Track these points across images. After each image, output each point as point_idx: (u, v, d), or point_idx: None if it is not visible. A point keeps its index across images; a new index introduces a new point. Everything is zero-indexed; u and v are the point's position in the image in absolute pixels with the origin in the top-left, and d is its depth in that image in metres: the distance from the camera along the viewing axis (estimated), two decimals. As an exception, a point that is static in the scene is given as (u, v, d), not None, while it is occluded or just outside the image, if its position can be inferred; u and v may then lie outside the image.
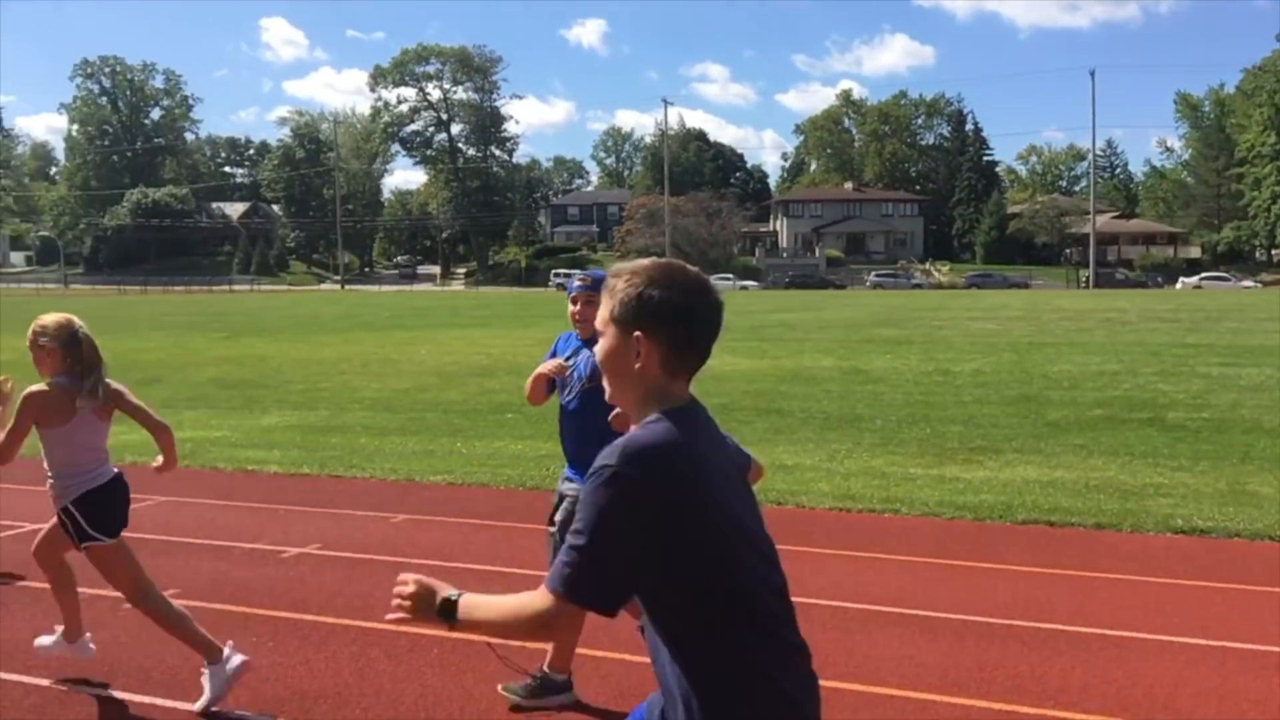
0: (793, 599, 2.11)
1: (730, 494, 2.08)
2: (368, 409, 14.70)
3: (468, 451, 11.18)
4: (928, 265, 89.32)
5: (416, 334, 27.65)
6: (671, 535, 1.94)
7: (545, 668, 4.45)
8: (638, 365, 2.07)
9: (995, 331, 26.10)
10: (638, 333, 2.06)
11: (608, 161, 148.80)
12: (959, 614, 5.55)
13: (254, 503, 8.55)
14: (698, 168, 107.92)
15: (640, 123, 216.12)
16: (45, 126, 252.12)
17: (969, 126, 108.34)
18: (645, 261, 2.14)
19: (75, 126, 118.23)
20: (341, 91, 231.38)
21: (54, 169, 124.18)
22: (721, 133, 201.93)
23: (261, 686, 4.57)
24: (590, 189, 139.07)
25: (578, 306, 4.43)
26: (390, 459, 10.56)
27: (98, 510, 4.41)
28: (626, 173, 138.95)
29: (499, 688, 4.46)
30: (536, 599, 1.99)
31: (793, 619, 2.08)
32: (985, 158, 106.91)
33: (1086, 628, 5.31)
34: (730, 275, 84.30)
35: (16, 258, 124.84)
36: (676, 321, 2.06)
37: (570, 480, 4.47)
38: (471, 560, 6.68)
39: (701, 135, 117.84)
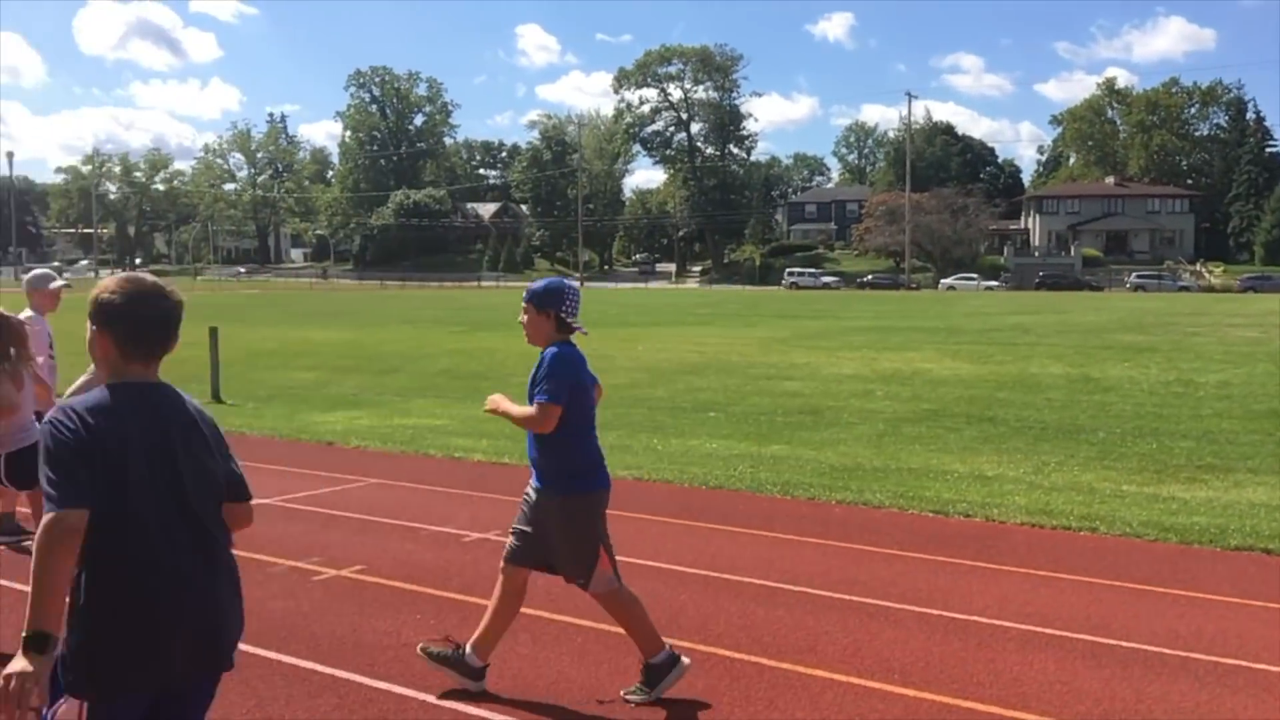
0: (951, 614, 2.07)
1: (137, 454, 2.54)
2: (579, 403, 15.19)
3: (662, 448, 11.35)
4: (1198, 266, 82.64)
5: (639, 331, 28.30)
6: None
7: (469, 645, 4.52)
8: (98, 353, 2.66)
9: (1256, 340, 23.87)
10: (94, 327, 2.63)
11: (849, 158, 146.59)
12: (1131, 641, 5.18)
13: (453, 488, 9.04)
14: (943, 162, 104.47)
15: (886, 117, 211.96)
16: (325, 133, 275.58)
17: (1249, 116, 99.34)
18: (116, 277, 2.71)
19: (348, 133, 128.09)
20: (589, 94, 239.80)
21: (330, 173, 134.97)
22: (973, 126, 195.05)
23: (412, 660, 4.86)
24: (830, 186, 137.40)
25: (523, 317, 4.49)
26: (587, 452, 10.87)
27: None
28: (869, 169, 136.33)
29: (418, 647, 4.64)
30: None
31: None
32: (1268, 149, 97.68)
33: (1276, 666, 4.83)
34: (974, 275, 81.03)
35: (296, 254, 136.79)
36: (121, 320, 2.63)
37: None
38: (634, 554, 6.80)
39: (949, 129, 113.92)
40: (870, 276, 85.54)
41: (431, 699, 4.46)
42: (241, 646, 4.87)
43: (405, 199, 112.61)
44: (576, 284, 4.59)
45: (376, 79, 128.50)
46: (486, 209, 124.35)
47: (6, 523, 7.10)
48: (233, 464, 2.74)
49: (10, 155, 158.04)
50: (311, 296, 61.29)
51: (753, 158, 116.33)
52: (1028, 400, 14.47)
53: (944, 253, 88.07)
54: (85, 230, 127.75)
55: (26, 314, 6.94)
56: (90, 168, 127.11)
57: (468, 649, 4.52)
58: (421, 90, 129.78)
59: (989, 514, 8.03)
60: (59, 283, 7.24)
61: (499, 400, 4.55)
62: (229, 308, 45.54)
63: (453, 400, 15.70)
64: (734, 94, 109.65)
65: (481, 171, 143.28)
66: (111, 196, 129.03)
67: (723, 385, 16.66)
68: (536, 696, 4.51)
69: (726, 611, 5.65)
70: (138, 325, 2.65)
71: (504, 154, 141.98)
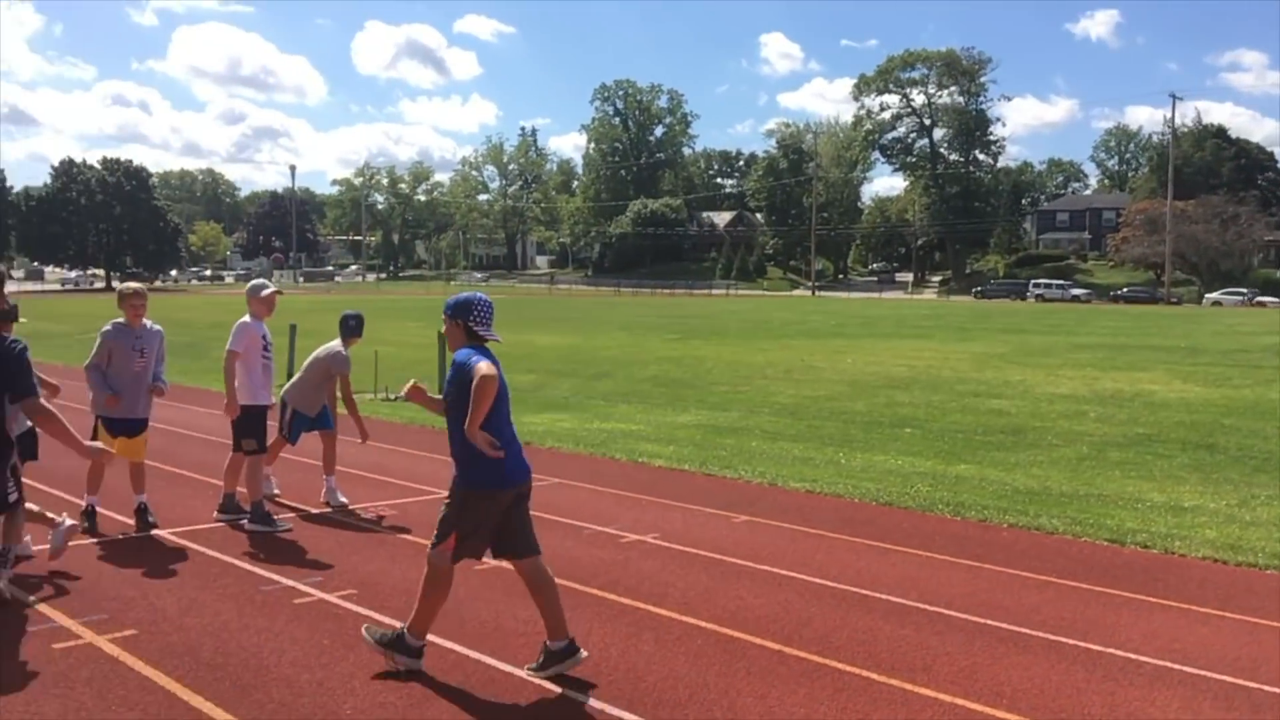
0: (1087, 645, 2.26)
1: None
2: (774, 414, 15.34)
3: (845, 462, 11.36)
4: None
5: (852, 342, 27.97)
6: None
7: (406, 628, 4.94)
8: None
9: None
10: None
11: (1109, 163, 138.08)
12: (1273, 686, 4.90)
13: (627, 491, 9.44)
14: (1213, 168, 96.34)
15: (1151, 119, 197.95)
16: (572, 145, 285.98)
17: None
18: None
19: (592, 145, 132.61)
20: (832, 100, 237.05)
21: (574, 183, 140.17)
22: (1254, 128, 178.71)
23: (538, 646, 5.26)
24: (1087, 193, 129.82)
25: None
26: (765, 462, 11.06)
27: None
28: (1130, 174, 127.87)
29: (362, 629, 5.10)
30: None
31: None
32: None
33: None
34: (1243, 290, 74.58)
35: (540, 260, 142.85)
36: None
37: None
38: (777, 565, 6.96)
39: (1221, 131, 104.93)
40: (1125, 289, 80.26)
41: (551, 686, 4.83)
42: (393, 622, 5.45)
43: (643, 208, 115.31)
44: (487, 297, 5.08)
45: (620, 92, 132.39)
46: (721, 217, 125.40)
47: (228, 502, 8.08)
48: None
49: (293, 168, 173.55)
50: (546, 302, 63.99)
51: (1000, 163, 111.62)
52: (1256, 428, 13.41)
53: (1210, 265, 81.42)
54: (355, 237, 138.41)
55: (245, 319, 7.90)
56: (361, 180, 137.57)
57: (406, 631, 4.97)
58: (663, 102, 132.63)
59: (1169, 546, 7.64)
60: (270, 289, 8.17)
61: (417, 391, 5.04)
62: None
63: (654, 406, 16.20)
64: (980, 98, 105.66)
65: (718, 181, 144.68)
66: (379, 206, 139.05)
67: (926, 401, 16.33)
68: (648, 692, 4.79)
69: (852, 626, 5.74)
70: None
71: (741, 163, 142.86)
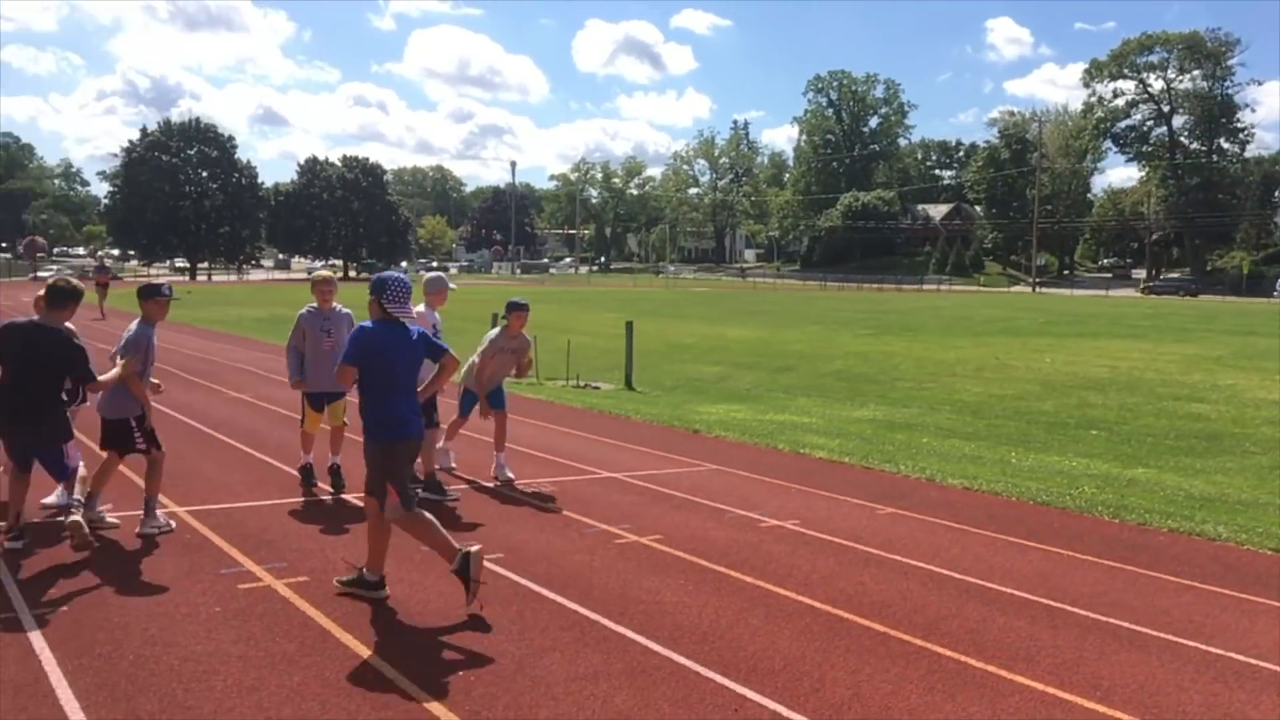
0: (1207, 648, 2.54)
1: None
2: (955, 411, 15.12)
3: (1015, 462, 11.16)
4: None
5: (1056, 341, 26.82)
6: None
7: (365, 568, 5.85)
8: None
9: None
10: None
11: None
12: (1400, 707, 4.69)
13: (779, 479, 9.65)
14: None
15: None
16: (785, 138, 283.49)
17: None
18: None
19: (804, 137, 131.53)
20: (1062, 87, 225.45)
21: (785, 176, 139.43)
22: None
23: (657, 614, 5.65)
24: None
25: None
26: (929, 459, 11.01)
27: None
28: None
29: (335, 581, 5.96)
30: None
31: None
32: None
33: None
34: None
35: (749, 254, 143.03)
36: None
37: None
38: (907, 554, 7.06)
39: None
40: (1391, 290, 72.75)
41: (659, 648, 5.19)
42: (528, 584, 5.97)
43: (854, 200, 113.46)
44: (404, 278, 5.90)
45: (834, 83, 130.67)
46: (938, 210, 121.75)
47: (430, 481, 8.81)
48: None
49: (514, 165, 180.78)
50: (748, 295, 64.17)
51: (1248, 152, 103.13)
52: None
53: None
54: (570, 231, 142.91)
55: (419, 309, 8.64)
56: (576, 175, 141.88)
57: (365, 571, 5.87)
58: (878, 92, 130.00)
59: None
60: (453, 286, 8.96)
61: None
62: (670, 303, 49.23)
63: (832, 400, 16.26)
64: (1227, 83, 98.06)
65: (936, 172, 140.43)
66: (593, 200, 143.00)
67: (1120, 403, 15.65)
68: (745, 659, 5.09)
69: (965, 615, 5.83)
70: None
71: (961, 154, 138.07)
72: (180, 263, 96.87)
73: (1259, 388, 17.42)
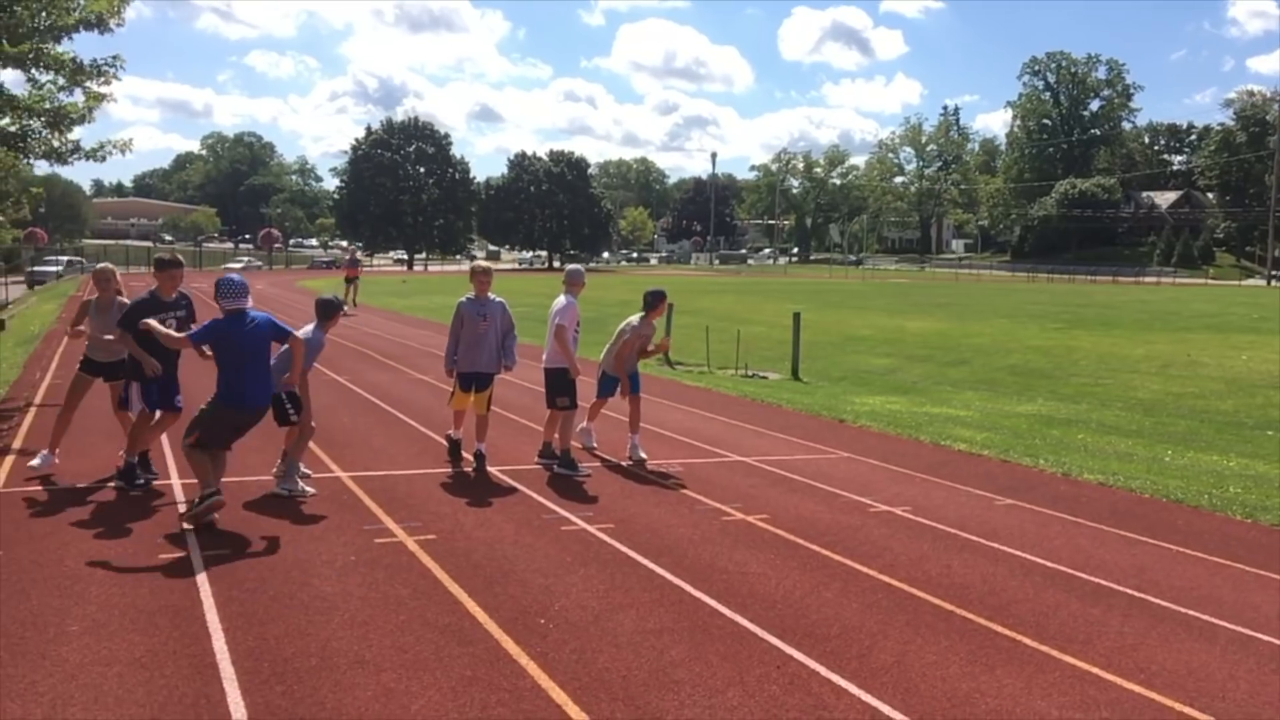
0: None
1: None
2: (1125, 408, 14.65)
3: (1168, 460, 10.86)
4: None
5: (1261, 339, 25.04)
6: None
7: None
8: None
9: None
10: None
11: None
12: None
13: (908, 470, 9.78)
14: None
15: None
16: (1000, 123, 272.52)
17: None
18: None
19: (1017, 122, 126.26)
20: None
21: (997, 162, 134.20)
22: None
23: (736, 584, 6.08)
24: None
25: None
26: (1074, 454, 10.86)
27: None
28: None
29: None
30: None
31: None
32: None
33: None
34: None
35: (956, 244, 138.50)
36: None
37: None
38: (1005, 543, 7.18)
39: None
40: None
41: (727, 611, 5.63)
42: (624, 549, 6.53)
43: (1070, 188, 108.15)
44: (236, 278, 7.29)
45: (1052, 65, 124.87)
46: (1164, 198, 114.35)
47: (546, 449, 9.57)
48: None
49: (714, 156, 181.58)
50: (944, 287, 62.44)
51: None
52: None
53: None
54: (770, 221, 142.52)
55: (562, 299, 9.32)
56: (777, 165, 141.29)
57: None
58: (1100, 73, 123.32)
59: None
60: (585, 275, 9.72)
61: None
62: (859, 295, 48.65)
63: (999, 395, 16.03)
64: None
65: (1165, 157, 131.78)
66: (794, 191, 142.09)
67: (1313, 403, 14.72)
68: (804, 625, 5.46)
69: (1039, 600, 5.96)
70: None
71: (1193, 137, 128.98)
72: (399, 254, 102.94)
73: None
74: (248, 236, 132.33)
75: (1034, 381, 17.52)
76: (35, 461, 8.36)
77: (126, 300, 8.30)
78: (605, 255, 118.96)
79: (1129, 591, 6.18)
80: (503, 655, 4.92)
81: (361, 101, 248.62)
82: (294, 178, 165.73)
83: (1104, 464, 10.38)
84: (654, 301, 9.93)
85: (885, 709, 4.45)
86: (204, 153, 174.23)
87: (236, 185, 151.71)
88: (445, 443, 9.69)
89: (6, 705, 4.23)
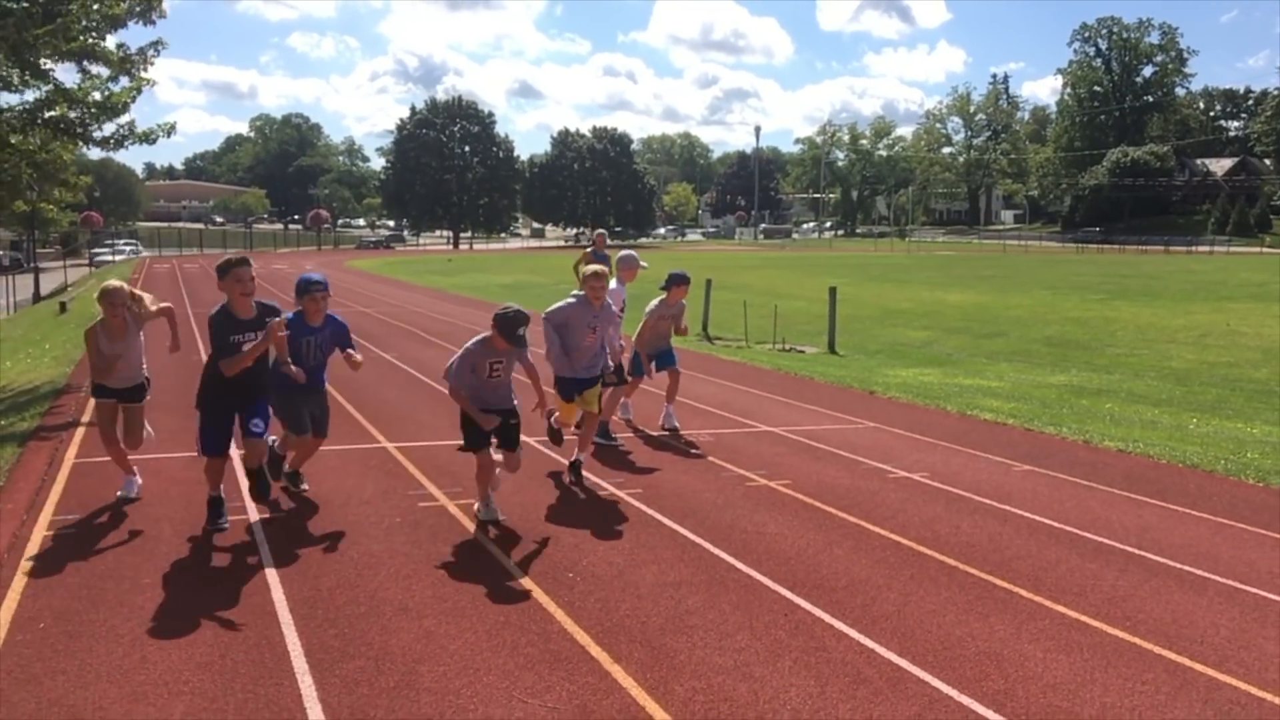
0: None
1: None
2: (1158, 378, 14.80)
3: (1193, 428, 11.08)
4: None
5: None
6: None
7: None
8: None
9: None
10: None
11: None
12: None
13: (933, 439, 10.11)
14: None
15: None
16: (1049, 90, 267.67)
17: None
18: None
19: (1068, 90, 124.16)
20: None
21: (1047, 131, 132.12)
22: None
23: (754, 545, 6.48)
24: None
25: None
26: (1099, 422, 11.11)
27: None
28: None
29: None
30: None
31: None
32: None
33: None
34: None
35: (1006, 215, 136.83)
36: None
37: None
38: (1016, 505, 7.50)
39: None
40: None
41: (742, 566, 6.04)
42: (651, 512, 6.94)
43: (1122, 156, 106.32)
44: (316, 275, 7.00)
45: (1103, 30, 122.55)
46: (1220, 165, 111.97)
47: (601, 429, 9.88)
48: None
49: (758, 129, 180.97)
50: (990, 259, 61.96)
51: None
52: None
53: None
54: (815, 195, 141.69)
55: (613, 284, 9.61)
56: (822, 138, 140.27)
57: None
58: (1153, 38, 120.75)
59: None
60: (644, 265, 10.00)
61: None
62: (902, 268, 48.53)
63: (1033, 366, 16.23)
64: None
65: (1221, 124, 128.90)
66: (839, 163, 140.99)
67: (1347, 371, 14.77)
68: (813, 578, 5.85)
69: (1040, 556, 6.30)
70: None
71: (1250, 102, 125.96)
72: (444, 232, 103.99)
73: None
74: (296, 217, 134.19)
75: (1069, 353, 17.67)
76: (121, 491, 7.33)
77: (132, 316, 7.18)
78: (661, 231, 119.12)
79: (1129, 549, 6.50)
80: (533, 604, 5.38)
81: (402, 80, 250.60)
82: (341, 158, 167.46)
83: (1127, 432, 10.62)
84: (672, 283, 10.13)
85: (881, 650, 4.84)
86: (252, 135, 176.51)
87: (285, 166, 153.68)
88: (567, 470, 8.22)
89: (95, 646, 4.76)
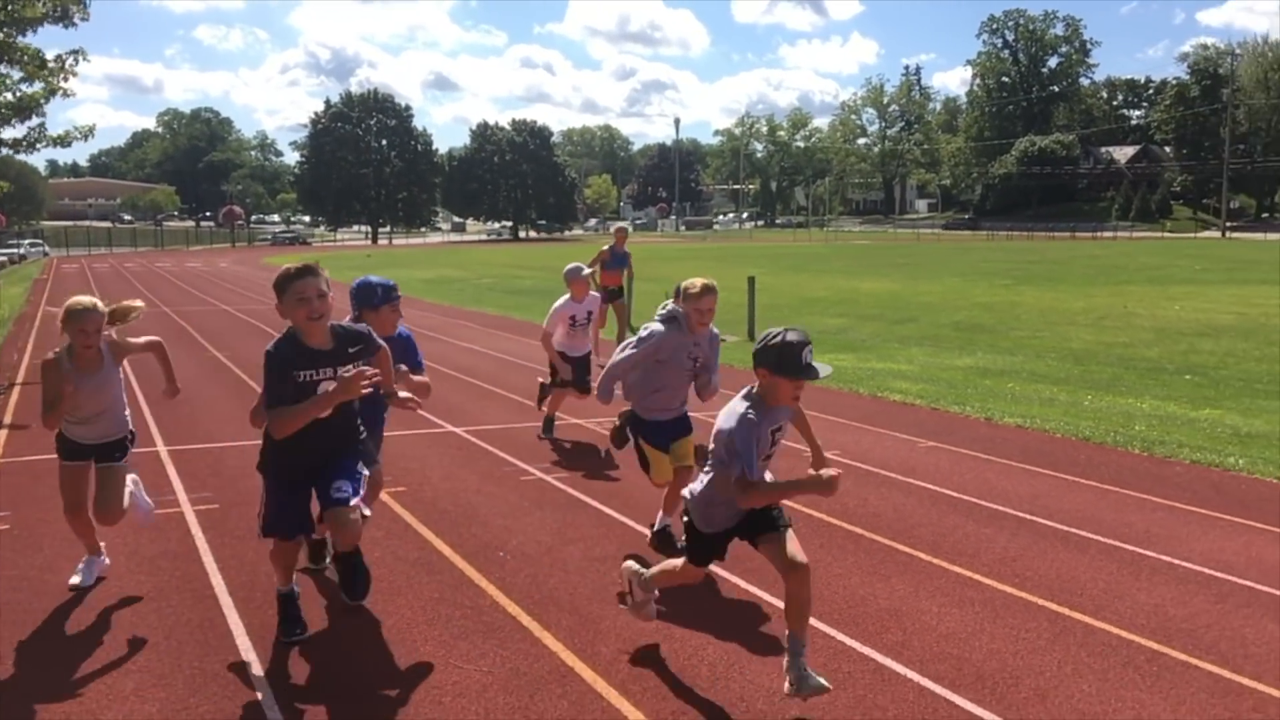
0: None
1: None
2: (1058, 359, 15.54)
3: (1087, 404, 11.72)
4: None
5: (1197, 289, 26.14)
6: None
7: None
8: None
9: None
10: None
11: None
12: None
13: (843, 419, 10.60)
14: None
15: None
16: (959, 81, 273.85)
17: None
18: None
19: (977, 80, 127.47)
20: (1262, 14, 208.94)
21: (958, 121, 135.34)
22: None
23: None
24: None
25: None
26: (1000, 401, 11.71)
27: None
28: None
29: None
30: None
31: None
32: None
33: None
34: None
35: (920, 205, 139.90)
36: None
37: None
38: (919, 478, 7.99)
39: None
40: None
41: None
42: (577, 494, 7.23)
43: (1030, 146, 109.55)
44: (375, 278, 5.84)
45: (1010, 22, 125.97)
46: (1123, 153, 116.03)
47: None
48: None
49: (677, 121, 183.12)
50: (903, 248, 63.46)
51: None
52: None
53: None
54: (735, 186, 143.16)
55: (593, 293, 9.68)
56: (741, 129, 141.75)
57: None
58: (1058, 30, 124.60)
59: (1347, 489, 7.73)
60: (586, 271, 9.84)
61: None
62: (819, 258, 49.51)
63: (941, 350, 16.88)
64: None
65: (1123, 113, 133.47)
66: (758, 155, 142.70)
67: (1229, 349, 15.69)
68: (732, 550, 6.23)
69: (938, 523, 6.77)
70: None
71: (1150, 92, 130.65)
72: (363, 227, 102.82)
73: (1389, 333, 16.99)
74: (209, 214, 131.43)
75: (975, 336, 18.40)
76: (76, 579, 5.56)
77: (107, 345, 5.34)
78: (592, 223, 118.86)
79: (1020, 515, 7.02)
80: (466, 581, 5.67)
81: (314, 73, 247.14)
82: (254, 153, 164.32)
83: (1026, 409, 11.23)
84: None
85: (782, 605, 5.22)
86: (160, 130, 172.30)
87: (195, 162, 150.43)
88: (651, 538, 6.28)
89: (31, 636, 4.93)
